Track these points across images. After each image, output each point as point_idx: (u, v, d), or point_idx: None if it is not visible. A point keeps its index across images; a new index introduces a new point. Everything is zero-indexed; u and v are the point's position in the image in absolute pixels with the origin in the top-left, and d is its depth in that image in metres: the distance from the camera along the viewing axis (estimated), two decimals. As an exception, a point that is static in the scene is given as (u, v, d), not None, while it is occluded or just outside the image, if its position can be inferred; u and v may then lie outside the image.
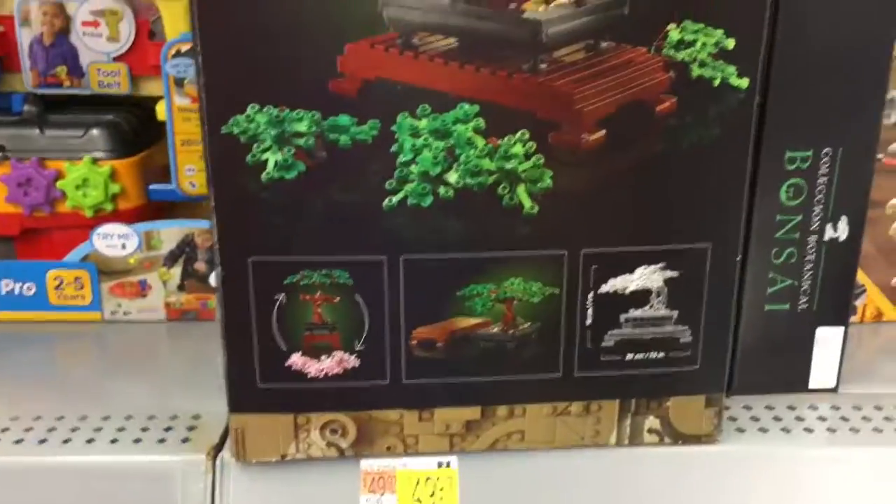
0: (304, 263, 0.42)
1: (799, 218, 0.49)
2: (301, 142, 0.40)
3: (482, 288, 0.43)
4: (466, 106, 0.40)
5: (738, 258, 0.44)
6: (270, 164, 0.41)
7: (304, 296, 0.43)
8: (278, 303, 0.43)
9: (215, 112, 0.40)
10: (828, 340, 0.51)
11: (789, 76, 0.46)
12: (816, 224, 0.49)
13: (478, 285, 0.43)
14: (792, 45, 0.45)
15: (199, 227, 0.61)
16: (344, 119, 0.40)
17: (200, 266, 0.62)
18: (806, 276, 0.50)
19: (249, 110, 0.40)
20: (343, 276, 0.43)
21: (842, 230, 0.49)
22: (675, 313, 0.44)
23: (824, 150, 0.48)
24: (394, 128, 0.40)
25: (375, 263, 0.43)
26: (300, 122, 0.40)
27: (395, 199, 0.41)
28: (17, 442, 0.48)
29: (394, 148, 0.41)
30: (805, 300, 0.50)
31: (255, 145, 0.40)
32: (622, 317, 0.44)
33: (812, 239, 0.49)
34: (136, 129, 0.63)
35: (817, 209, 0.49)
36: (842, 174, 0.48)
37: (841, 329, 0.51)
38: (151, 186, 0.62)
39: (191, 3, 0.38)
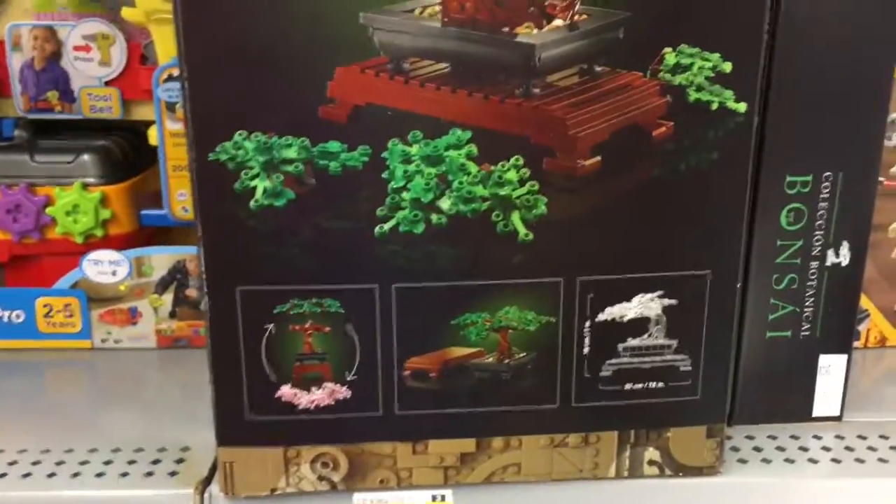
0: (293, 292, 0.41)
1: (800, 243, 0.48)
2: (290, 168, 0.40)
3: (476, 317, 0.42)
4: (459, 132, 0.40)
5: (738, 285, 0.43)
6: (259, 192, 0.40)
7: (293, 325, 0.42)
8: (267, 333, 0.42)
9: (202, 139, 0.39)
10: (831, 368, 0.50)
11: (788, 100, 0.45)
12: (818, 249, 0.48)
13: (472, 314, 0.42)
14: (790, 68, 0.44)
15: (191, 254, 0.60)
16: (334, 145, 0.39)
17: (192, 293, 0.61)
18: (808, 303, 0.48)
19: (237, 137, 0.39)
20: (334, 305, 0.42)
21: (844, 255, 0.48)
22: (674, 342, 0.43)
23: (825, 175, 0.47)
24: (385, 154, 0.40)
25: (367, 292, 0.42)
26: (289, 148, 0.39)
27: (386, 226, 0.40)
28: (0, 476, 0.47)
29: (385, 174, 0.40)
30: (807, 327, 0.49)
31: (242, 172, 0.39)
32: (620, 346, 0.43)
33: (814, 264, 0.48)
34: (127, 154, 0.62)
35: (818, 234, 0.48)
36: (843, 199, 0.47)
37: (844, 356, 0.50)
38: (143, 212, 0.61)
39: (176, 28, 0.37)
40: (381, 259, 0.41)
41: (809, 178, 0.47)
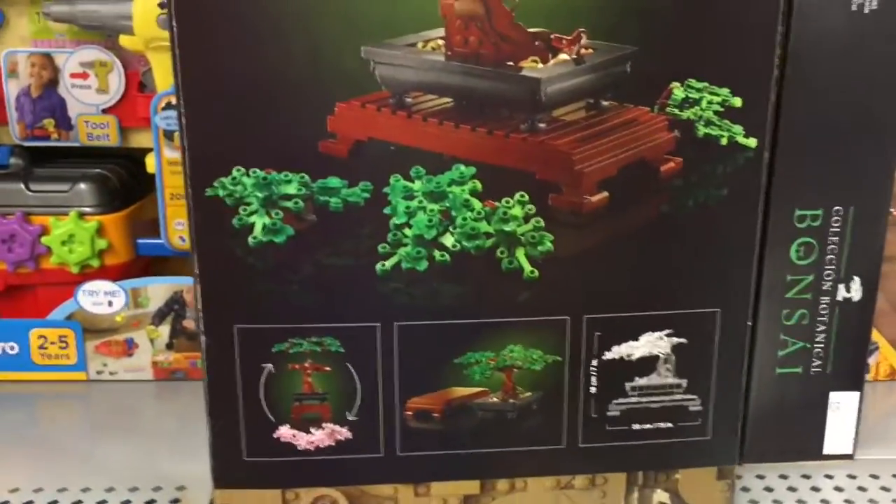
0: (292, 331, 0.40)
1: (810, 278, 0.47)
2: (290, 204, 0.39)
3: (480, 356, 0.41)
4: (462, 167, 0.39)
5: (749, 323, 0.42)
6: (258, 228, 0.39)
7: (293, 365, 0.41)
8: (266, 372, 0.41)
9: (199, 174, 0.38)
10: (842, 405, 0.49)
11: (798, 133, 0.44)
12: (829, 284, 0.47)
13: (476, 353, 0.41)
14: (799, 101, 0.43)
15: (188, 284, 0.59)
16: (334, 181, 0.39)
17: (189, 324, 0.60)
18: (819, 339, 0.47)
19: (235, 172, 0.38)
20: (334, 344, 0.41)
21: (855, 290, 0.47)
22: (683, 381, 0.42)
23: (835, 209, 0.46)
24: (386, 190, 0.39)
25: (368, 330, 0.41)
26: (289, 184, 0.38)
27: (388, 263, 0.39)
28: (-9, 517, 0.45)
29: (387, 210, 0.39)
30: (818, 363, 0.48)
31: (241, 208, 0.38)
32: (628, 385, 0.42)
33: (825, 300, 0.47)
34: (124, 182, 0.61)
35: (829, 269, 0.47)
36: (854, 233, 0.46)
37: (856, 393, 0.49)
38: (140, 241, 0.60)
39: (174, 62, 0.37)
40: (382, 297, 0.40)
41: (819, 211, 0.46)
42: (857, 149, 0.45)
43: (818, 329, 0.47)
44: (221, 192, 0.38)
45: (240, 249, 0.39)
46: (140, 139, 0.62)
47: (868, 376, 0.59)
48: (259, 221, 0.39)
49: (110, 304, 0.59)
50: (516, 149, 0.39)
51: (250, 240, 0.39)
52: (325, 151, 0.38)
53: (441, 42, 0.38)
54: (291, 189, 0.38)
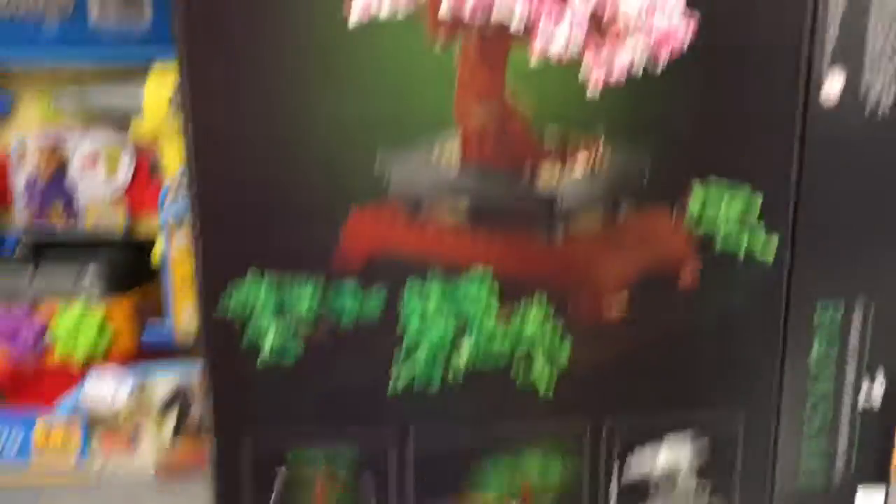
0: (303, 447, 0.39)
1: (831, 375, 0.45)
2: (302, 321, 0.38)
3: (496, 468, 0.40)
4: (478, 277, 0.38)
5: (774, 431, 0.41)
6: (267, 348, 0.38)
7: (303, 481, 0.40)
8: (276, 486, 0.40)
9: (211, 289, 0.37)
10: (869, 506, 0.47)
11: (817, 224, 0.43)
12: (851, 381, 0.46)
13: (492, 465, 0.40)
14: (818, 192, 0.43)
15: (195, 374, 0.58)
16: (348, 294, 0.38)
17: (195, 417, 0.58)
18: (842, 440, 0.46)
19: (247, 286, 0.37)
20: (346, 461, 0.40)
21: (877, 389, 0.46)
22: (708, 487, 0.41)
23: (857, 302, 0.45)
24: (401, 303, 0.38)
25: (381, 444, 0.39)
26: (301, 299, 0.38)
27: (401, 379, 0.39)
28: None
29: (400, 325, 0.38)
30: (842, 464, 0.46)
31: (252, 325, 0.38)
32: (651, 491, 0.41)
33: (846, 398, 0.46)
34: (131, 270, 0.61)
35: (851, 363, 0.46)
36: (876, 327, 0.45)
37: (881, 492, 0.47)
38: (146, 330, 0.60)
39: (187, 152, 0.36)
40: (395, 412, 0.39)
41: (841, 305, 0.45)
42: (879, 239, 0.44)
43: (841, 429, 0.46)
44: (233, 310, 0.38)
45: (250, 367, 0.38)
46: (149, 222, 0.61)
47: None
48: (269, 341, 0.38)
49: (115, 395, 0.58)
50: (534, 259, 0.38)
51: (261, 358, 0.38)
52: (339, 263, 0.37)
53: (456, 151, 0.38)
54: (304, 305, 0.38)
